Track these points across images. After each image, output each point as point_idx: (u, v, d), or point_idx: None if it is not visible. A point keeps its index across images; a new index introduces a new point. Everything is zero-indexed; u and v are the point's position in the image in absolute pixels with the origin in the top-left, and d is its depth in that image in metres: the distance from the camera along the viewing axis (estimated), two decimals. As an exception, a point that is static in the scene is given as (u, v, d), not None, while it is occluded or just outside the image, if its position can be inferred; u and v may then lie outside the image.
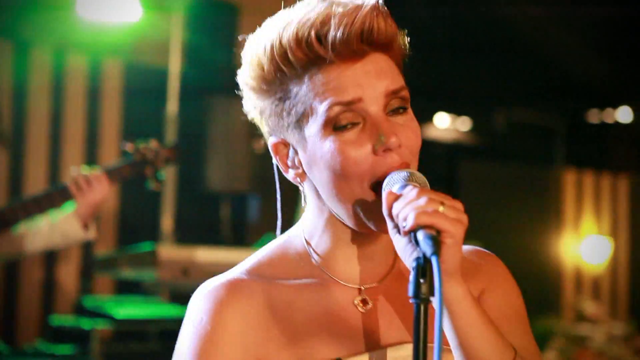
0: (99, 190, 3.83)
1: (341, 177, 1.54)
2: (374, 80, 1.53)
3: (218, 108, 6.55)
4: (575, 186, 10.64)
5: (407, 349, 1.60)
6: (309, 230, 1.66)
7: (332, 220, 1.63)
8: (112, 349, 4.93)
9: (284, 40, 1.53)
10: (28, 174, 6.32)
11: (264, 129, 1.65)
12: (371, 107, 1.52)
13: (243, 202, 7.45)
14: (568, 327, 8.80)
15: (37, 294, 6.41)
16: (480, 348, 1.51)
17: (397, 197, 1.46)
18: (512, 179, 9.90)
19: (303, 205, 1.71)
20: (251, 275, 1.62)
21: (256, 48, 1.59)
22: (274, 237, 3.39)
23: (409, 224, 1.40)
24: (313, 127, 1.55)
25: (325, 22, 1.52)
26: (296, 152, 1.61)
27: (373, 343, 1.62)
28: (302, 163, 1.61)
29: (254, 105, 1.64)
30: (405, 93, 1.57)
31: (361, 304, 1.64)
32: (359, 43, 1.52)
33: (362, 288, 1.64)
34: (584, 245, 10.44)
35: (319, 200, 1.63)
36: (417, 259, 1.40)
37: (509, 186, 9.83)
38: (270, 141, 1.63)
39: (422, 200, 1.41)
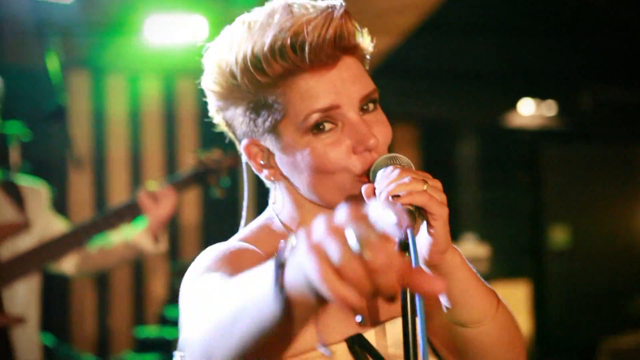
0: (166, 203, 3.86)
1: (323, 175, 1.60)
2: (350, 86, 1.58)
3: None
4: None
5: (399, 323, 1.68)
6: (287, 219, 1.71)
7: (312, 208, 1.69)
8: None
9: (257, 52, 1.54)
10: (112, 195, 6.46)
11: (233, 132, 1.70)
12: (348, 113, 1.58)
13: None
14: None
15: (127, 306, 6.55)
16: (477, 301, 1.63)
17: (373, 189, 1.53)
18: (599, 160, 9.55)
19: (272, 201, 1.75)
20: (250, 245, 1.65)
21: (226, 57, 1.59)
22: None
23: (403, 200, 1.45)
24: (291, 132, 1.59)
25: (298, 31, 1.53)
26: (270, 155, 1.66)
27: (379, 312, 1.69)
28: (278, 164, 1.66)
29: (221, 110, 1.68)
30: (375, 94, 1.63)
31: None
32: (332, 49, 1.55)
33: None
34: None
35: (296, 194, 1.69)
36: (400, 233, 1.41)
37: (596, 167, 9.53)
38: (243, 143, 1.67)
39: (407, 179, 1.47)
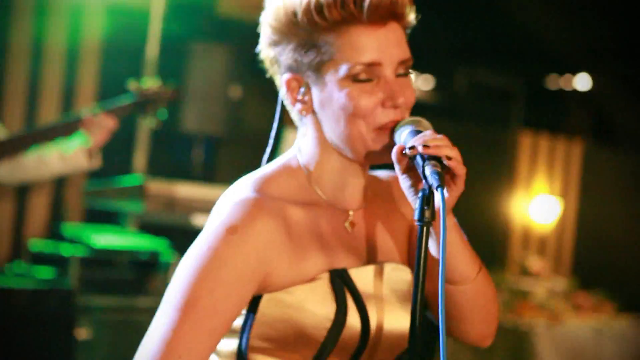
0: (107, 127, 4.04)
1: (351, 117, 1.77)
2: (393, 48, 1.78)
3: (198, 54, 6.52)
4: (530, 148, 10.71)
5: (402, 270, 1.90)
6: (306, 159, 1.88)
7: (330, 151, 1.85)
8: (89, 275, 5.14)
9: (319, 1, 1.74)
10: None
11: (278, 65, 1.86)
12: (386, 71, 1.77)
13: (215, 146, 7.47)
14: (512, 281, 8.88)
15: (9, 220, 6.44)
16: (460, 263, 1.82)
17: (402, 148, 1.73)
18: (469, 139, 9.88)
19: (298, 138, 1.92)
20: (266, 195, 1.81)
21: (287, 6, 1.78)
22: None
23: (431, 152, 1.67)
24: (334, 75, 1.77)
25: None
26: (308, 91, 1.83)
27: (366, 256, 1.89)
28: (313, 100, 1.83)
29: (273, 43, 1.83)
30: (411, 62, 1.82)
31: (350, 226, 1.89)
32: (386, 10, 1.76)
33: (350, 213, 1.90)
34: (533, 205, 10.51)
35: (321, 133, 1.85)
36: (423, 190, 1.66)
37: (466, 146, 9.80)
38: (285, 77, 1.84)
39: (440, 136, 1.71)
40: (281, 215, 1.78)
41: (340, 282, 1.79)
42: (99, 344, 5.05)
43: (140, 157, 6.40)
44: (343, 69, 1.76)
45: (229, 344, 1.82)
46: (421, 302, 1.69)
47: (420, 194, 1.66)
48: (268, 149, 1.98)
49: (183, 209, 4.84)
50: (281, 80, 1.86)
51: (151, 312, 5.45)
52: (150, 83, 4.16)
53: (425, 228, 1.66)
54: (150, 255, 5.36)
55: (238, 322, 1.81)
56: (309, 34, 1.77)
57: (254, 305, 1.78)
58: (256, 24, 1.84)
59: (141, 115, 4.21)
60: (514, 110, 10.58)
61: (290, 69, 1.83)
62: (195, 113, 6.28)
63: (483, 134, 10.08)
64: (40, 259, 5.26)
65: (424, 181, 1.66)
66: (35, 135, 3.96)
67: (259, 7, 1.90)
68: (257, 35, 1.85)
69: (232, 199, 1.80)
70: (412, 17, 1.84)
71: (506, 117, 10.52)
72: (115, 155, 6.62)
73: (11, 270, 5.18)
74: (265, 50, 1.86)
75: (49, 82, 6.62)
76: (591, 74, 11.31)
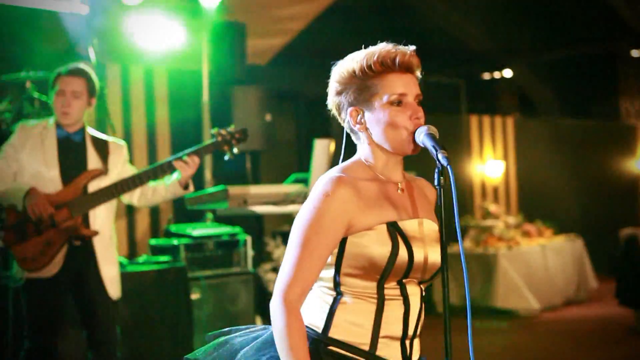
0: (193, 166, 3.97)
1: (391, 129, 1.96)
2: (412, 86, 1.98)
3: (239, 95, 6.57)
4: (477, 127, 10.63)
5: (432, 224, 2.02)
6: (365, 156, 2.04)
7: (379, 150, 2.02)
8: (193, 256, 5.32)
9: (370, 60, 1.97)
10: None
11: (342, 106, 2.03)
12: (410, 99, 1.97)
13: (257, 156, 7.63)
14: (478, 221, 8.96)
15: (125, 226, 6.72)
16: None
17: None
18: (435, 124, 9.84)
19: (359, 148, 2.07)
20: (346, 175, 1.97)
21: (350, 64, 2.00)
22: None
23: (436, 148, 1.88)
24: (379, 102, 1.97)
25: (393, 53, 1.97)
26: (363, 115, 2.00)
27: (411, 213, 2.02)
28: (366, 121, 2.00)
29: (338, 92, 2.02)
30: (421, 96, 2.00)
31: (400, 191, 2.04)
32: (408, 66, 1.98)
33: (399, 184, 2.06)
34: (486, 166, 10.51)
35: (373, 143, 2.02)
36: (437, 167, 1.88)
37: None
38: (349, 110, 2.01)
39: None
40: (355, 186, 1.95)
41: (394, 230, 1.94)
42: (205, 302, 5.27)
43: (207, 174, 6.49)
44: (385, 98, 1.96)
45: (327, 273, 1.97)
46: (445, 242, 1.94)
47: (436, 170, 1.88)
48: (342, 154, 2.12)
49: (254, 203, 4.94)
50: (347, 112, 2.02)
51: (237, 276, 5.64)
52: (225, 128, 4.18)
53: (442, 190, 1.87)
54: (230, 238, 5.54)
55: (331, 259, 1.95)
56: (363, 80, 1.98)
57: (342, 245, 1.93)
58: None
59: (219, 152, 4.18)
60: (460, 100, 10.58)
61: (351, 104, 2.01)
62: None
63: (440, 121, 10.10)
64: (158, 250, 5.46)
65: (437, 162, 1.87)
66: (149, 173, 4.01)
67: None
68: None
69: (325, 178, 1.96)
70: (419, 73, 2.03)
71: (455, 106, 10.52)
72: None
73: (138, 261, 5.36)
74: (333, 99, 2.05)
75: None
76: (512, 67, 11.41)
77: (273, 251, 6.55)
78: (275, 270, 6.26)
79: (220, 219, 6.03)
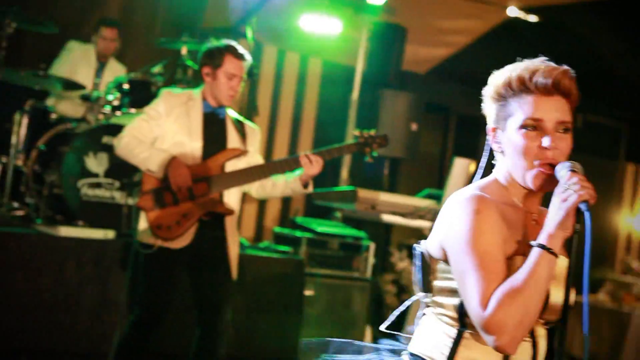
0: (317, 166, 3.94)
1: (517, 154, 1.88)
2: (553, 112, 1.86)
3: (387, 99, 6.54)
4: (633, 176, 10.36)
5: (562, 260, 1.87)
6: (503, 179, 1.95)
7: (511, 177, 1.93)
8: (313, 251, 5.38)
9: (512, 78, 1.89)
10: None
11: (489, 117, 1.98)
12: (547, 124, 1.86)
13: (398, 164, 7.61)
14: (617, 276, 8.67)
15: (255, 213, 6.91)
16: None
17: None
18: (585, 169, 9.53)
19: (497, 164, 1.99)
20: (486, 194, 1.88)
21: (497, 81, 1.93)
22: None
23: (582, 196, 1.74)
24: (514, 123, 1.89)
25: (534, 72, 1.87)
26: (500, 135, 1.94)
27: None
28: (501, 141, 1.93)
29: (488, 106, 1.98)
30: (569, 125, 1.88)
31: (535, 222, 1.95)
32: (551, 87, 1.86)
33: (534, 215, 1.96)
34: (635, 219, 10.19)
35: (506, 165, 1.94)
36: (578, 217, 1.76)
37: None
38: (488, 127, 1.97)
39: (588, 185, 1.77)
40: (497, 208, 1.85)
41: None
42: (318, 300, 5.28)
43: (344, 172, 6.58)
44: (519, 121, 1.87)
45: (451, 300, 1.88)
46: (570, 282, 1.80)
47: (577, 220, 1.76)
48: (479, 172, 2.06)
49: (380, 210, 4.94)
50: (487, 129, 1.99)
51: (354, 281, 5.65)
52: (368, 131, 4.16)
53: (576, 235, 1.76)
54: (354, 240, 5.54)
55: (448, 284, 1.87)
56: (503, 98, 1.91)
57: None
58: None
59: (359, 154, 4.17)
60: (621, 146, 10.27)
61: (493, 121, 1.96)
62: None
63: (599, 163, 9.70)
64: (280, 239, 5.55)
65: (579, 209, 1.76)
66: (275, 165, 4.01)
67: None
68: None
69: (464, 196, 1.87)
70: (575, 96, 1.90)
71: (615, 151, 10.22)
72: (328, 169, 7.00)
73: (260, 246, 5.54)
74: (485, 109, 2.00)
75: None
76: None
77: (397, 263, 6.45)
78: (396, 282, 6.17)
79: (347, 221, 6.07)
